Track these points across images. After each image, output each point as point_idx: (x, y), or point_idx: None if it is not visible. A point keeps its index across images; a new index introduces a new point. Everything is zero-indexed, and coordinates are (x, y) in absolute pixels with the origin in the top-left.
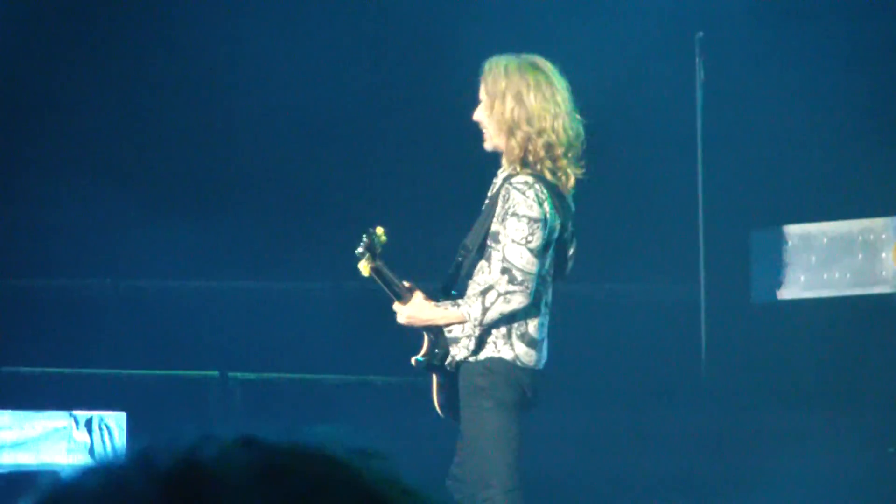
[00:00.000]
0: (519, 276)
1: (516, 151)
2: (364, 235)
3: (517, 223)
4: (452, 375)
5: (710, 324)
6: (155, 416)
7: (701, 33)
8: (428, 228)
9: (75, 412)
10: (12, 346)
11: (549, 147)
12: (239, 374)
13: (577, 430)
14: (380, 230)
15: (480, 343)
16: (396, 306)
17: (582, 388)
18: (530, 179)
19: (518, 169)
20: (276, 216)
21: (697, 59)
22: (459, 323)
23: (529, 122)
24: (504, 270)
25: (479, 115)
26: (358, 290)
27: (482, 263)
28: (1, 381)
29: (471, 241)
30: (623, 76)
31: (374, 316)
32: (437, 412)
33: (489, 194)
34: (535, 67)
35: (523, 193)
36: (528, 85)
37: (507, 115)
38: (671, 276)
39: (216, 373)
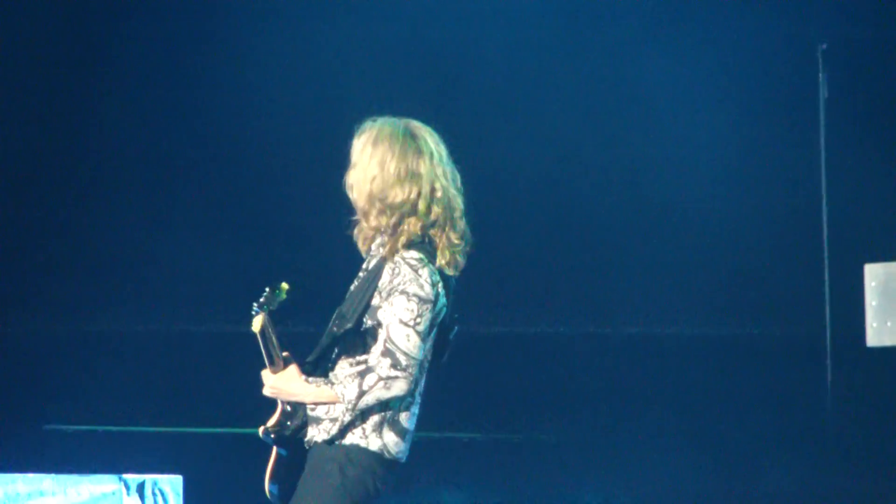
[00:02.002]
0: (403, 361)
1: (385, 223)
2: (267, 288)
3: (406, 303)
4: (299, 453)
5: (835, 370)
6: (214, 480)
7: (824, 45)
8: None
9: (126, 476)
10: (55, 401)
11: (419, 220)
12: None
13: (691, 485)
14: (285, 286)
15: (347, 428)
16: (265, 373)
17: (696, 440)
18: (424, 256)
19: (399, 243)
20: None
21: (821, 75)
22: (328, 403)
23: (392, 193)
24: (387, 353)
25: (348, 180)
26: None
27: (358, 338)
28: (43, 440)
29: (348, 310)
30: (741, 95)
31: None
32: (267, 491)
33: (367, 265)
34: (411, 135)
35: (416, 271)
36: (394, 154)
37: (369, 184)
38: (791, 316)
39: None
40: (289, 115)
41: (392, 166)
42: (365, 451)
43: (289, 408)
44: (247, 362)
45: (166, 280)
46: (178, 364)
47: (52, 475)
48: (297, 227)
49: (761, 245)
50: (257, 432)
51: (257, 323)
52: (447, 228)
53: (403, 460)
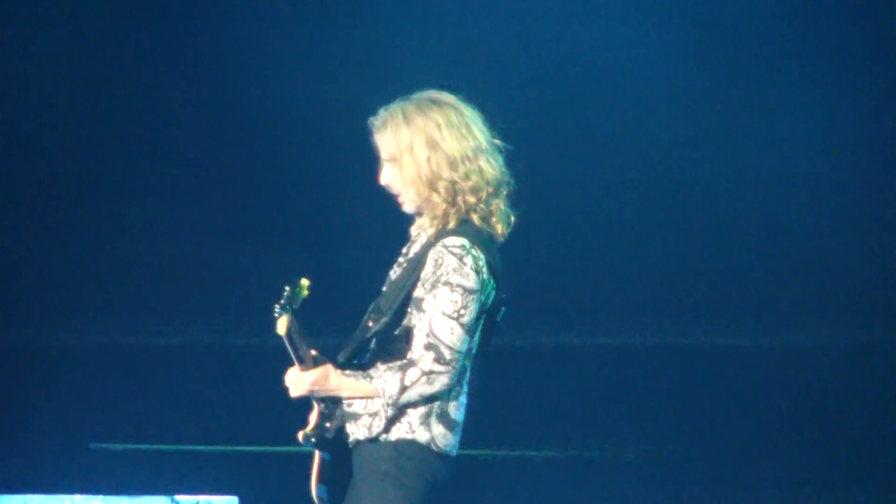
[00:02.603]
0: (447, 355)
1: (442, 206)
2: (286, 287)
3: (450, 294)
4: (344, 455)
5: None
6: (270, 501)
7: None
8: None
9: (178, 497)
10: (102, 418)
11: (476, 190)
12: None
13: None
14: (304, 282)
15: (391, 422)
16: (295, 372)
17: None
18: (467, 242)
19: (449, 225)
20: None
21: None
22: (367, 398)
23: (453, 165)
24: (430, 346)
25: (388, 177)
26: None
27: (398, 333)
28: (90, 460)
29: (385, 303)
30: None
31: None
32: (315, 496)
33: (407, 251)
34: (437, 102)
35: (460, 259)
36: (438, 125)
37: (423, 166)
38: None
39: None
40: (296, 117)
41: (445, 142)
42: (413, 443)
43: (325, 408)
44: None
45: (217, 290)
46: (232, 379)
47: (101, 497)
48: (343, 230)
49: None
50: (297, 439)
51: (282, 325)
52: (501, 193)
53: (454, 454)
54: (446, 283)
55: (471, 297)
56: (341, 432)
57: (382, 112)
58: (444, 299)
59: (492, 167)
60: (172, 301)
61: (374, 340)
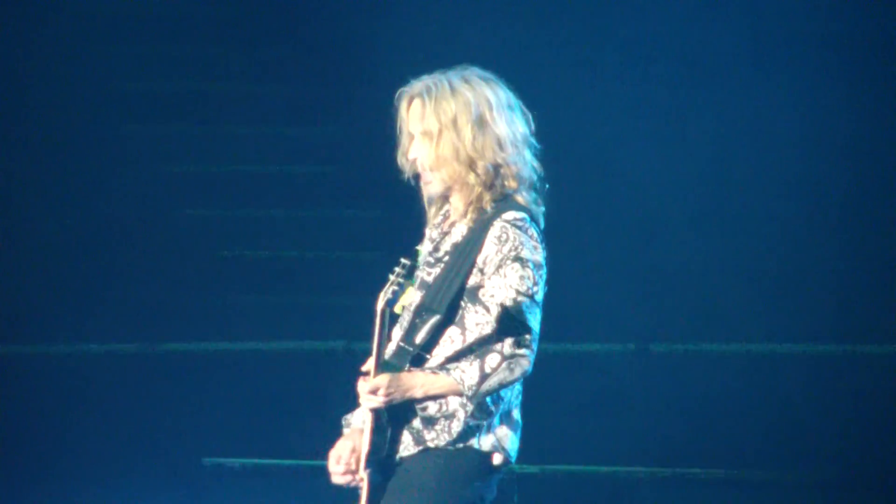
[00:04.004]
0: (527, 337)
1: (478, 189)
2: (403, 259)
3: (521, 270)
4: (393, 473)
5: None
6: None
7: None
8: None
9: None
10: (215, 432)
11: (520, 178)
12: (516, 467)
13: None
14: (421, 249)
15: (467, 426)
16: (372, 374)
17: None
18: (528, 216)
19: (487, 207)
20: None
21: None
22: (449, 394)
23: (501, 147)
24: (506, 329)
25: (418, 152)
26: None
27: (452, 330)
28: (204, 476)
29: (434, 300)
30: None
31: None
32: None
33: (437, 247)
34: (486, 79)
35: (525, 232)
36: (490, 102)
37: (467, 144)
38: None
39: None
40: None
41: (495, 122)
42: (474, 454)
43: (377, 422)
44: None
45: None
46: (349, 386)
47: None
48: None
49: None
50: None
51: (405, 300)
52: (539, 185)
53: (514, 460)
54: (516, 259)
55: (541, 273)
56: (395, 447)
57: (421, 81)
58: (514, 276)
59: (534, 160)
60: (293, 305)
61: (428, 343)
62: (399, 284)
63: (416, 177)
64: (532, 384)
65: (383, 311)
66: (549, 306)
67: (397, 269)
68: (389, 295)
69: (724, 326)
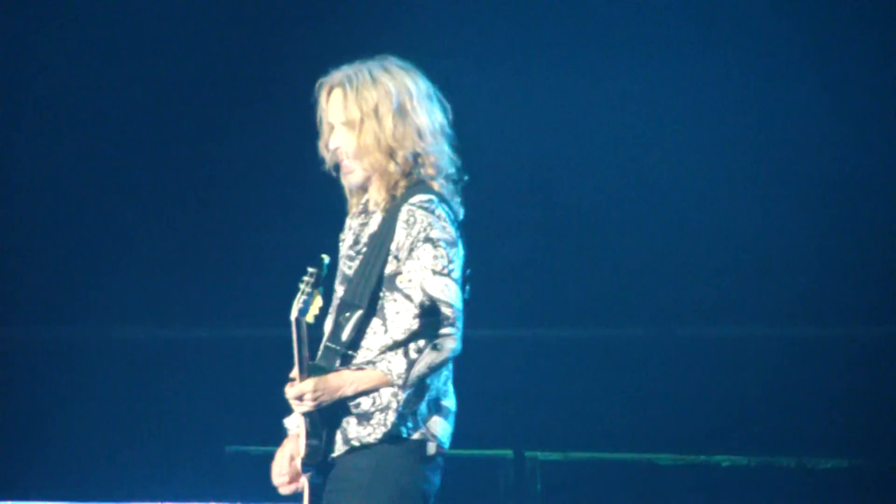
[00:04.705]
0: (449, 314)
1: (395, 177)
2: (310, 268)
3: (433, 250)
4: (329, 474)
5: None
6: None
7: None
8: None
9: None
10: (238, 419)
11: (439, 168)
12: (539, 454)
13: None
14: (326, 258)
15: (400, 417)
16: (298, 380)
17: None
18: (434, 197)
19: (403, 189)
20: None
21: None
22: (380, 387)
23: (420, 136)
24: (427, 311)
25: (340, 141)
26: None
27: (375, 322)
28: (226, 464)
29: (354, 295)
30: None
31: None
32: None
33: (357, 239)
34: (405, 68)
35: (432, 213)
36: (410, 91)
37: (388, 134)
38: None
39: (510, 452)
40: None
41: (415, 112)
42: (405, 445)
43: (310, 424)
44: (456, 372)
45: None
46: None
47: None
48: None
49: None
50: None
51: (315, 308)
52: (458, 178)
53: (447, 448)
54: (426, 241)
55: (454, 251)
56: (331, 448)
57: (341, 71)
58: (427, 257)
59: (452, 152)
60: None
61: (354, 340)
62: (308, 294)
63: (336, 167)
64: (553, 370)
65: (297, 321)
66: (569, 292)
67: (305, 279)
68: (301, 305)
69: (750, 309)
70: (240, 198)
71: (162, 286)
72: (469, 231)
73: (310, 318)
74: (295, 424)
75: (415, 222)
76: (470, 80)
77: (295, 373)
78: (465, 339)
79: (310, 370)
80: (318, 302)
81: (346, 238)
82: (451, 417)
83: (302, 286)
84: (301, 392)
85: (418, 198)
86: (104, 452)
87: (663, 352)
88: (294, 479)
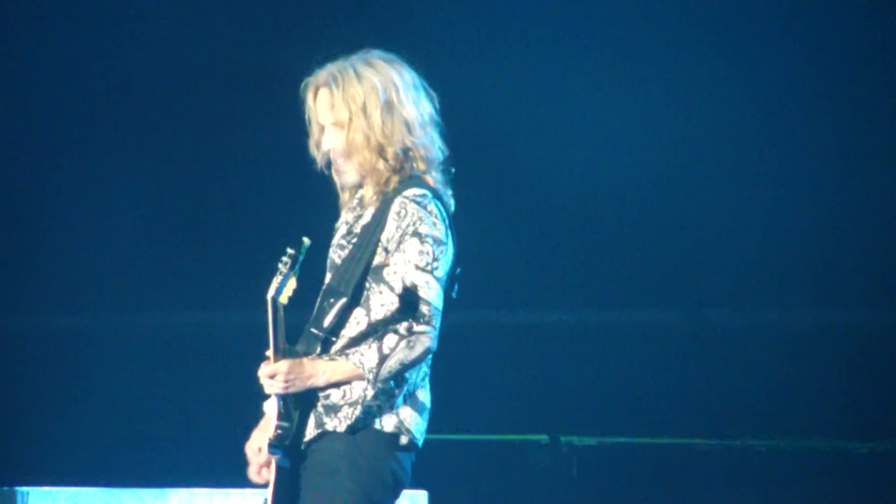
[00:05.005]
0: (426, 312)
1: (386, 174)
2: (289, 249)
3: (419, 245)
4: (301, 458)
5: None
6: (465, 495)
7: None
8: None
9: None
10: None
11: (429, 161)
12: (574, 439)
13: None
14: (307, 241)
15: (368, 411)
16: (272, 360)
17: None
18: (428, 192)
19: (396, 184)
20: None
21: None
22: (352, 380)
23: (409, 130)
24: (405, 306)
25: (332, 141)
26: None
27: (358, 312)
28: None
29: (340, 282)
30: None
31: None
32: None
33: (350, 229)
34: (389, 61)
35: (424, 208)
36: (396, 85)
37: (377, 131)
38: None
39: (545, 437)
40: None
41: (402, 105)
42: (378, 435)
43: (283, 407)
44: (492, 356)
45: None
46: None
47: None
48: None
49: None
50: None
51: (289, 290)
52: (448, 169)
53: (420, 444)
54: (414, 234)
55: (441, 249)
56: (301, 434)
57: (325, 69)
58: (413, 252)
59: (441, 142)
60: None
61: (336, 326)
62: (284, 275)
63: (328, 166)
64: (589, 355)
65: (273, 301)
66: (607, 276)
67: (284, 259)
68: (276, 285)
69: (789, 294)
70: (234, 186)
71: (188, 271)
72: (504, 212)
73: (283, 299)
74: (270, 407)
75: (406, 215)
76: (463, 70)
77: (270, 352)
78: (504, 323)
79: (285, 353)
80: (292, 284)
81: (340, 228)
82: (426, 413)
83: (280, 266)
84: (275, 371)
85: (412, 191)
86: (133, 440)
87: (699, 336)
88: (268, 463)
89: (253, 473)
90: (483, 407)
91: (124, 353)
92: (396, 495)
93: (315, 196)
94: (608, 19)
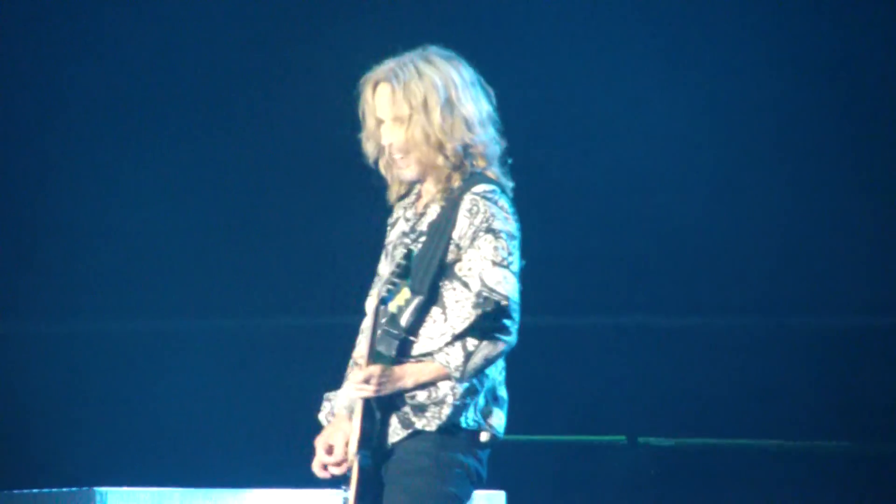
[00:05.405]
0: (506, 308)
1: (446, 171)
2: (400, 258)
3: (495, 241)
4: (386, 459)
5: None
6: (542, 496)
7: None
8: None
9: None
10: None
11: (488, 156)
12: (652, 440)
13: None
14: (414, 249)
15: (456, 408)
16: (364, 365)
17: None
18: (497, 188)
19: (458, 180)
20: None
21: None
22: (438, 380)
23: (469, 127)
24: (484, 302)
25: (392, 137)
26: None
27: (434, 310)
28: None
29: (415, 282)
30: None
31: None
32: None
33: (412, 228)
34: (449, 58)
35: (495, 203)
36: (455, 82)
37: (436, 128)
38: None
39: (623, 438)
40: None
41: (461, 102)
42: (463, 432)
43: (365, 410)
44: (570, 358)
45: None
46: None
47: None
48: None
49: None
50: (357, 454)
51: (400, 300)
52: (506, 163)
53: (501, 437)
54: (488, 231)
55: (514, 243)
56: (385, 432)
57: (386, 65)
58: (488, 248)
59: (499, 137)
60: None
61: (413, 325)
62: (394, 283)
63: (376, 161)
64: (666, 357)
65: (376, 309)
66: (682, 280)
67: (394, 269)
68: (384, 293)
69: (860, 297)
70: (242, 188)
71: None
72: (581, 216)
73: (392, 307)
74: (343, 406)
75: (478, 212)
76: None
77: (360, 356)
78: (579, 327)
79: (375, 357)
80: (404, 294)
81: (398, 225)
82: (505, 407)
83: (389, 276)
84: (368, 375)
85: (482, 187)
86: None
87: (773, 340)
88: (341, 462)
89: (316, 467)
90: (561, 408)
91: (192, 357)
92: (475, 489)
93: (324, 198)
94: (633, 33)
